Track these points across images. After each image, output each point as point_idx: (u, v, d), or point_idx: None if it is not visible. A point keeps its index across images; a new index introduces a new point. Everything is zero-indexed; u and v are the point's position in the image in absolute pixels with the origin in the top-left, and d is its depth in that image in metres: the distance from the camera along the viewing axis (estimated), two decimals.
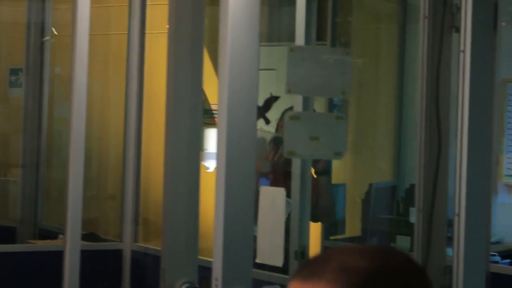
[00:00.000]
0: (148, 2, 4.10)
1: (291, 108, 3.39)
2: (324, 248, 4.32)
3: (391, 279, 0.96)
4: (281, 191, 2.83)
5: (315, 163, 3.59)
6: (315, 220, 3.71)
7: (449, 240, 2.87)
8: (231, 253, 2.29)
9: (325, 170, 3.68)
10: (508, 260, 3.91)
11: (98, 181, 4.86)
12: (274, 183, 3.57)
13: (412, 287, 0.98)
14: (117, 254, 4.04)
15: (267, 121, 3.08)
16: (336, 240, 4.58)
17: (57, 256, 2.89)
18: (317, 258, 1.04)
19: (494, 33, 2.70)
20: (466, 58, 2.58)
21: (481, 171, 2.69)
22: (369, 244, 3.41)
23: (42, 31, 5.09)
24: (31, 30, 5.07)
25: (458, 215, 2.57)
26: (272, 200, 2.70)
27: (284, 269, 3.06)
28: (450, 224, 2.80)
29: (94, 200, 4.66)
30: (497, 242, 4.04)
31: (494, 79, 3.00)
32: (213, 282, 2.25)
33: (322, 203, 3.75)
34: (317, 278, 0.95)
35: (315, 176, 3.65)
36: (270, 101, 3.04)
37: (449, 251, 2.91)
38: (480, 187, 2.69)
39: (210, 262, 2.37)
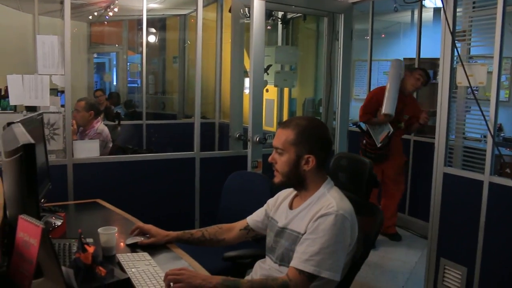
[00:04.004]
0: None
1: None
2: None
3: (317, 128, 1.87)
4: None
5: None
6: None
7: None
8: (255, 119, 3.58)
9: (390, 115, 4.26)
10: (354, 125, 4.95)
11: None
12: None
13: (326, 133, 1.89)
14: None
15: (267, 73, 4.21)
16: None
17: None
18: (288, 120, 1.93)
19: (351, 41, 4.20)
20: (340, 51, 4.18)
21: (346, 93, 4.25)
22: (306, 115, 4.86)
23: None
24: None
25: (338, 108, 4.19)
26: None
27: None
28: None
29: None
30: (351, 120, 4.92)
31: (351, 59, 4.34)
32: (249, 133, 3.66)
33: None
34: (287, 127, 1.86)
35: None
36: (268, 67, 4.23)
37: (334, 123, 4.39)
38: (346, 100, 4.24)
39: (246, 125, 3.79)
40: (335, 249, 1.70)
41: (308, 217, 1.78)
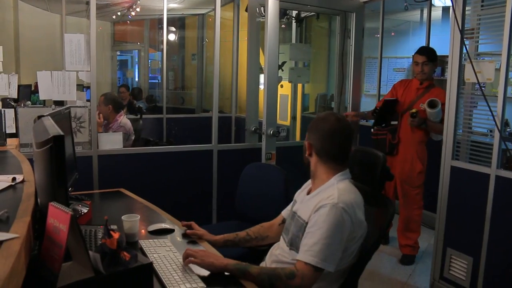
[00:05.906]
0: None
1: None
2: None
3: (322, 120, 1.85)
4: None
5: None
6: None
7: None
8: (269, 113, 3.61)
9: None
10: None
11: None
12: None
13: (332, 126, 1.82)
14: None
15: (282, 69, 4.18)
16: (309, 113, 6.01)
17: None
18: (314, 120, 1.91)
19: (362, 39, 4.21)
20: (352, 48, 4.17)
21: (357, 89, 4.24)
22: (325, 112, 4.92)
23: None
24: None
25: (349, 103, 4.19)
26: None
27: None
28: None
29: None
30: None
31: (362, 56, 4.38)
32: (263, 127, 3.66)
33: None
34: (308, 133, 1.90)
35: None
36: (283, 63, 4.21)
37: None
38: (357, 95, 4.25)
39: (261, 119, 3.75)
40: (332, 241, 1.67)
41: (312, 206, 1.76)
